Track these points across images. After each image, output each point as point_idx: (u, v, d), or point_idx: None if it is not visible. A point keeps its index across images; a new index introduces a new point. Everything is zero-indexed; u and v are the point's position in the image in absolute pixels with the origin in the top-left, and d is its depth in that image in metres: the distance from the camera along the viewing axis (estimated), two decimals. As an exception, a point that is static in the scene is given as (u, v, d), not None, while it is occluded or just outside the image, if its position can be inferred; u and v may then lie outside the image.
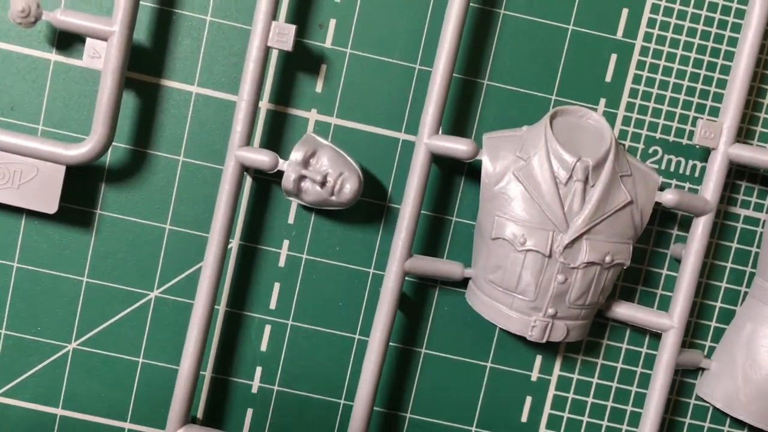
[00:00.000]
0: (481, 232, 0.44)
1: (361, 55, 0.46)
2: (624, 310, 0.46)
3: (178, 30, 0.45)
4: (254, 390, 0.47)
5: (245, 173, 0.46)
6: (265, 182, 0.46)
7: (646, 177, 0.44)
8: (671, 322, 0.45)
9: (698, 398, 0.48)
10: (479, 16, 0.46)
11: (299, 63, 0.46)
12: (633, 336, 0.48)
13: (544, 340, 0.44)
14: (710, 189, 0.45)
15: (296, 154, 0.43)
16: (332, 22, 0.46)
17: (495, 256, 0.43)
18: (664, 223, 0.47)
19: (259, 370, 0.47)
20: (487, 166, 0.43)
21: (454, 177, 0.47)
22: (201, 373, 0.47)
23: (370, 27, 0.46)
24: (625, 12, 0.46)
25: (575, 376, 0.48)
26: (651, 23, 0.46)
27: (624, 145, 0.46)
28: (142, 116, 0.46)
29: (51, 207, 0.44)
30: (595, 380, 0.48)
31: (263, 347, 0.47)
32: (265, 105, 0.46)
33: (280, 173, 0.43)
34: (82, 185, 0.46)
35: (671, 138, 0.47)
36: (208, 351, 0.47)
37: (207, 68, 0.46)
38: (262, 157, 0.43)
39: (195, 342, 0.45)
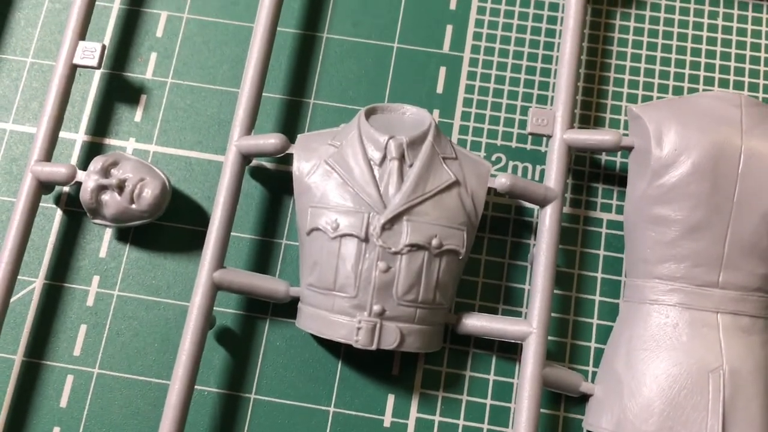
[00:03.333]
0: (299, 234, 0.39)
1: (182, 83, 0.45)
2: (476, 322, 0.39)
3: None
4: (49, 457, 0.39)
5: (57, 207, 0.43)
6: (77, 218, 0.43)
7: (476, 164, 0.40)
8: (530, 327, 0.38)
9: (590, 437, 0.40)
10: (302, 41, 0.46)
11: (119, 95, 0.45)
12: (500, 365, 0.41)
13: (373, 346, 0.37)
14: (552, 177, 0.40)
15: (95, 164, 0.40)
16: (153, 55, 0.45)
17: (311, 253, 0.38)
18: (520, 233, 0.43)
19: (56, 431, 0.40)
20: (299, 159, 0.39)
21: (282, 198, 0.43)
22: (-13, 438, 0.39)
23: (191, 57, 0.45)
24: (449, 28, 0.46)
25: (437, 418, 0.40)
26: (477, 36, 0.45)
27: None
28: (-49, 156, 0.44)
29: None
30: (461, 422, 0.40)
31: (63, 403, 0.40)
32: (81, 137, 0.44)
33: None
34: None
35: (513, 144, 0.44)
36: (-3, 410, 0.40)
37: (23, 105, 0.45)
38: (58, 169, 0.40)
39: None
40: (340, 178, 0.38)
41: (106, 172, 0.40)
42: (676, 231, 0.38)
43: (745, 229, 0.38)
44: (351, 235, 0.37)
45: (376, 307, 0.37)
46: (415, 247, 0.37)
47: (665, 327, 0.38)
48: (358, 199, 0.37)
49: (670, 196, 0.38)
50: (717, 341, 0.37)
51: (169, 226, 0.42)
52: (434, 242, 0.37)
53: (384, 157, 0.38)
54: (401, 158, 0.38)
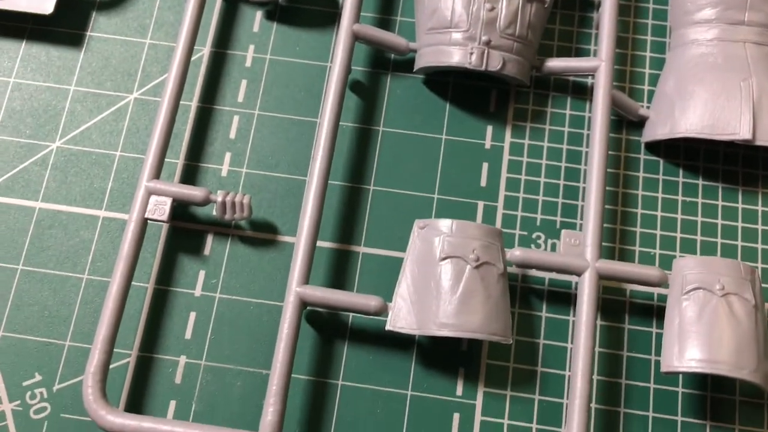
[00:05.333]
0: (418, -3, 0.50)
1: None
2: (557, 63, 0.50)
3: None
4: (224, 174, 0.50)
5: (217, -2, 0.54)
6: (234, 2, 0.54)
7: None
8: (599, 61, 0.49)
9: (647, 153, 0.50)
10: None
11: None
12: (575, 102, 0.52)
13: (483, 68, 0.48)
14: (612, -44, 0.52)
15: (253, -53, 0.52)
16: None
17: (430, 3, 0.49)
18: (585, 9, 0.54)
19: (228, 156, 0.50)
20: (416, -59, 0.51)
21: (395, -13, 0.54)
22: (174, 161, 0.50)
23: None
24: None
25: (526, 142, 0.51)
26: None
27: None
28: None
29: (47, 8, 0.51)
30: (545, 144, 0.51)
31: (231, 135, 0.51)
32: (232, -55, 0.55)
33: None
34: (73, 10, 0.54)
35: (577, -55, 0.55)
36: (180, 142, 0.51)
37: None
38: (227, -47, 0.51)
39: (160, 133, 0.48)
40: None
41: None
42: (711, -16, 0.49)
43: (764, -21, 0.49)
44: (464, -17, 0.48)
45: (484, 38, 0.48)
46: (512, -8, 0.48)
47: (705, 56, 0.49)
48: (467, -39, 0.49)
49: (705, -42, 0.49)
50: (746, 62, 0.48)
51: (306, 8, 0.53)
52: (527, -10, 0.49)
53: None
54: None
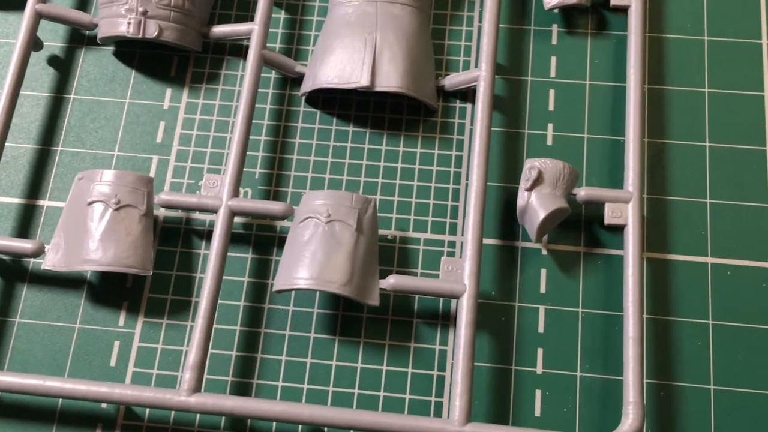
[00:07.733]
0: (94, -23, 0.56)
1: None
2: (220, 29, 0.56)
3: None
4: None
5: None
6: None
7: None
8: (254, 25, 0.55)
9: (307, 106, 0.56)
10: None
11: None
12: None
13: (140, 35, 0.54)
14: (275, -68, 0.58)
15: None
16: None
17: (100, -17, 0.55)
18: (263, -19, 0.59)
19: None
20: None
21: (95, -29, 0.60)
22: None
23: None
24: None
25: (201, 101, 0.57)
26: None
27: None
28: None
29: None
30: (217, 102, 0.57)
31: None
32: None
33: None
34: None
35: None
36: None
37: None
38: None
39: None
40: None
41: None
42: (349, -48, 0.55)
43: (393, -54, 0.55)
44: (120, -37, 0.54)
45: (141, 9, 0.54)
46: (164, -32, 0.54)
47: (344, 16, 0.55)
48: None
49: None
50: (374, 19, 0.54)
51: (14, -6, 0.60)
52: (178, -35, 0.54)
53: None
54: None
